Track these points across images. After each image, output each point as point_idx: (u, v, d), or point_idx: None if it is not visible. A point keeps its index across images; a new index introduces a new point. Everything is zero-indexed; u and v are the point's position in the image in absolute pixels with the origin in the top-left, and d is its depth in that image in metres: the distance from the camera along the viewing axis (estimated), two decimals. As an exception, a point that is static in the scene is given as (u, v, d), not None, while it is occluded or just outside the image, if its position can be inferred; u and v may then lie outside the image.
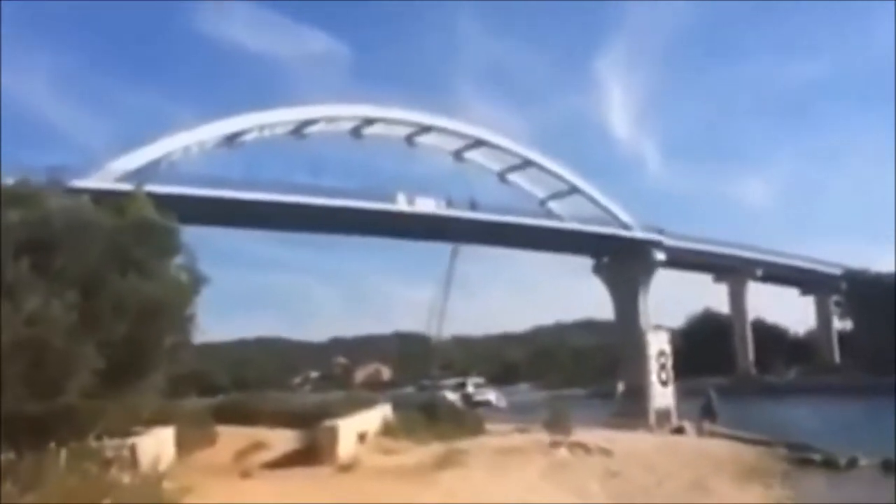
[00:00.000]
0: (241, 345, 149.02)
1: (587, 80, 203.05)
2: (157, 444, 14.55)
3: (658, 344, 23.85)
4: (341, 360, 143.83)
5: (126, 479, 11.24)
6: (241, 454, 16.91)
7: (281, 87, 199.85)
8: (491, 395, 70.04)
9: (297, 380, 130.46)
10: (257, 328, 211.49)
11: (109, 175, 57.15)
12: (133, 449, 12.83)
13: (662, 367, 23.66)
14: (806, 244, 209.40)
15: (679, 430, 22.79)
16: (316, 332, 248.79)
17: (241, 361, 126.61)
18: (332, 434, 15.43)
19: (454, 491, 12.28)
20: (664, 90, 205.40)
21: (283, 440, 16.95)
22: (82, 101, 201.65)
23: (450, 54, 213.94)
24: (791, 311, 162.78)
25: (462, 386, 73.39)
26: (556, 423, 18.32)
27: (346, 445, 15.84)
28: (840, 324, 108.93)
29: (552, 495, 12.37)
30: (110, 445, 12.38)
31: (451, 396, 57.29)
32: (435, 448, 17.15)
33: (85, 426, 11.67)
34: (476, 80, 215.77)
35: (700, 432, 22.80)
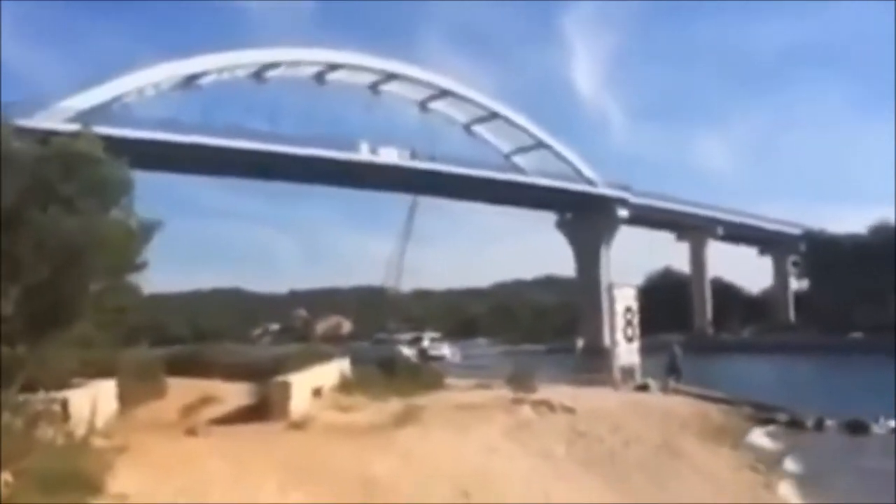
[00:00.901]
0: (198, 296, 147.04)
1: (553, 38, 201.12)
2: (94, 398, 13.52)
3: (625, 300, 23.26)
4: (301, 312, 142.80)
5: (53, 435, 10.30)
6: (190, 409, 15.97)
7: (242, 31, 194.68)
8: (446, 350, 70.34)
9: (257, 332, 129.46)
10: (215, 279, 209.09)
11: (59, 115, 54.63)
12: (65, 403, 11.77)
13: (629, 323, 23.12)
14: (766, 206, 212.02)
15: (643, 388, 22.34)
16: (275, 284, 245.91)
17: (199, 312, 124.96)
18: (285, 389, 14.51)
19: (410, 450, 11.51)
20: (629, 50, 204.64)
21: (236, 394, 16.07)
22: (35, 40, 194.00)
23: (416, 7, 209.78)
24: (748, 271, 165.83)
25: (417, 340, 73.29)
26: (520, 380, 17.64)
27: (300, 401, 14.96)
28: (796, 284, 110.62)
29: (515, 456, 11.67)
30: (39, 399, 11.35)
31: (407, 351, 57.56)
32: (393, 405, 16.37)
33: (3, 377, 10.57)
34: (441, 34, 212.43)
35: (664, 390, 22.38)
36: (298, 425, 13.50)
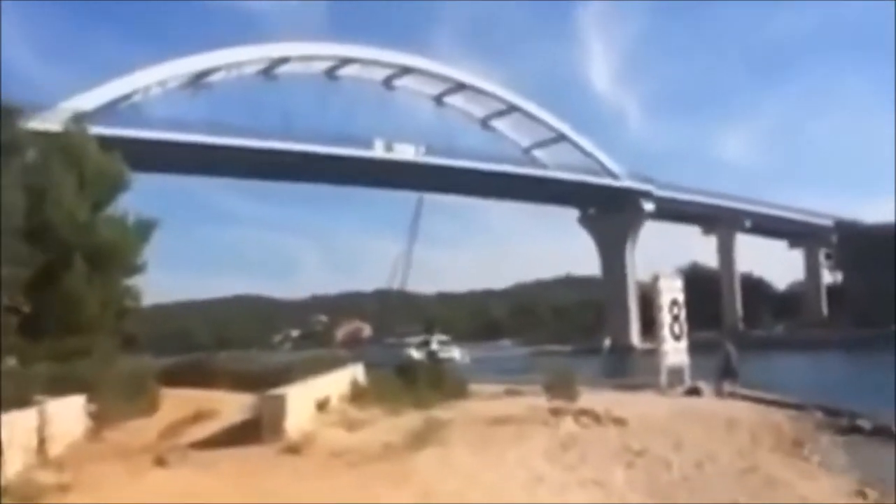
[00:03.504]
0: (222, 303, 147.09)
1: (569, 32, 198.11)
2: (46, 420, 11.18)
3: (671, 293, 20.59)
4: (321, 317, 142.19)
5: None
6: (175, 428, 13.58)
7: (252, 34, 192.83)
8: (455, 353, 68.84)
9: (278, 338, 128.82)
10: (238, 286, 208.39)
11: (62, 116, 52.59)
12: (-2, 427, 9.39)
13: (675, 318, 20.45)
14: (794, 197, 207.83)
15: (694, 392, 19.66)
16: (296, 289, 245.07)
17: (223, 319, 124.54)
18: (278, 405, 11.99)
19: (431, 484, 8.98)
20: (646, 42, 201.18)
21: (237, 407, 13.80)
22: (40, 40, 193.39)
23: (427, 7, 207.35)
24: (778, 264, 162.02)
25: (426, 343, 71.52)
26: (559, 386, 15.07)
27: (299, 418, 12.46)
28: (829, 277, 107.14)
29: (566, 488, 9.12)
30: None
31: (416, 354, 56.57)
32: (410, 419, 13.84)
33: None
34: (452, 33, 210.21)
35: (719, 394, 19.68)
36: (294, 449, 11.02)
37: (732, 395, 19.70)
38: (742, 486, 9.42)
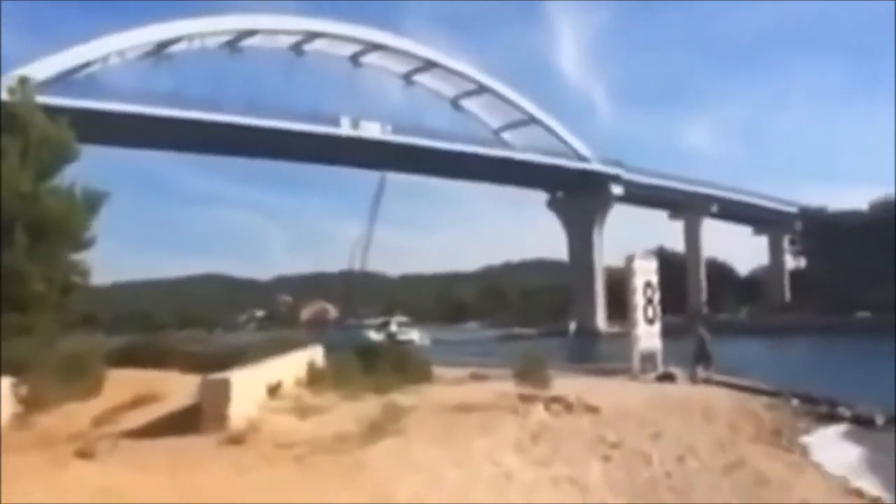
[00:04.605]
0: (186, 282, 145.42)
1: (538, 21, 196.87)
2: None
3: (645, 274, 19.75)
4: (286, 298, 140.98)
5: None
6: (112, 413, 12.48)
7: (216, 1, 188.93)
8: (414, 335, 68.18)
9: (243, 318, 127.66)
10: (203, 265, 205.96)
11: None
12: None
13: (649, 301, 19.64)
14: (758, 187, 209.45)
15: (668, 377, 18.89)
16: (262, 270, 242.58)
17: (187, 299, 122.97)
18: (221, 390, 10.85)
19: (386, 482, 7.98)
20: (615, 32, 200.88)
21: (185, 390, 12.65)
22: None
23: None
24: (741, 250, 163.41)
25: (386, 325, 70.71)
26: (531, 373, 14.13)
27: (246, 404, 11.35)
28: (793, 263, 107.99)
29: (538, 487, 8.17)
30: None
31: (374, 336, 56.16)
32: (368, 405, 12.82)
33: None
34: (421, 17, 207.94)
35: (693, 380, 18.94)
36: (236, 439, 9.94)
37: (707, 381, 19.00)
38: (731, 483, 8.56)
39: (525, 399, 13.79)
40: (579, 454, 9.96)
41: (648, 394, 15.95)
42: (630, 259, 19.76)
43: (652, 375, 19.31)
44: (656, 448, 10.62)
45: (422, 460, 9.03)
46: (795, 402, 17.48)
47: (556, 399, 13.92)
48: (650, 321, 19.81)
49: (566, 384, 16.14)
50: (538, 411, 12.75)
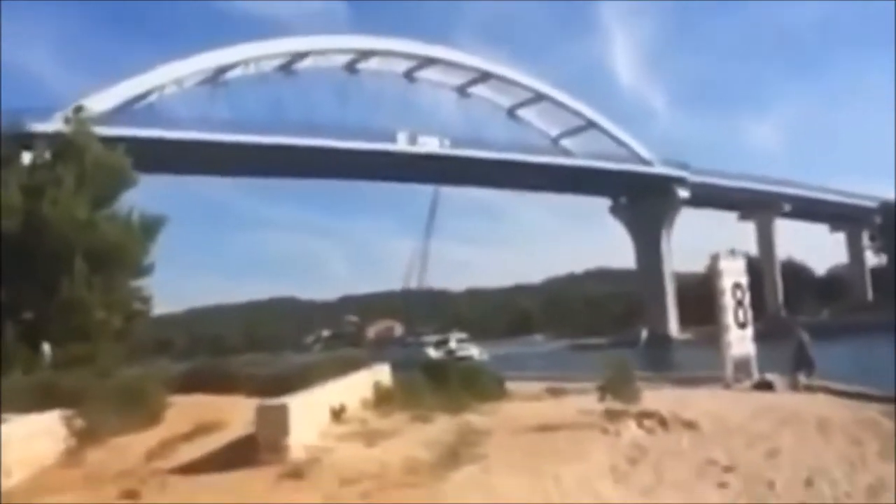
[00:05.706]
0: (254, 306, 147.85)
1: (592, 27, 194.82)
2: (11, 441, 9.38)
3: (733, 275, 18.13)
4: (352, 318, 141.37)
5: None
6: (170, 444, 11.54)
7: (269, 26, 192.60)
8: (473, 350, 66.59)
9: (310, 339, 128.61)
10: (271, 289, 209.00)
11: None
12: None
13: (739, 303, 18.01)
14: (833, 181, 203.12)
15: (765, 386, 17.19)
16: (327, 291, 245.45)
17: (256, 322, 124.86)
18: (280, 417, 9.79)
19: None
20: (669, 36, 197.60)
21: (246, 418, 11.68)
22: (58, 45, 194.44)
23: (448, 5, 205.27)
24: (818, 249, 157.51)
25: (444, 342, 69.35)
26: (618, 386, 12.71)
27: (306, 431, 10.29)
28: (874, 259, 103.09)
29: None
30: None
31: (433, 353, 55.75)
32: (440, 427, 11.62)
33: None
34: (475, 30, 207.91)
35: (794, 387, 17.18)
36: (296, 473, 8.86)
37: (809, 389, 17.22)
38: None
39: (613, 416, 12.35)
40: (688, 480, 8.56)
41: (749, 405, 14.31)
42: (715, 259, 18.13)
43: (747, 384, 17.62)
44: (776, 471, 9.13)
45: (506, 493, 7.76)
46: (915, 408, 15.57)
47: (646, 414, 12.45)
48: (742, 325, 18.12)
49: (653, 396, 14.63)
50: (631, 429, 11.33)
